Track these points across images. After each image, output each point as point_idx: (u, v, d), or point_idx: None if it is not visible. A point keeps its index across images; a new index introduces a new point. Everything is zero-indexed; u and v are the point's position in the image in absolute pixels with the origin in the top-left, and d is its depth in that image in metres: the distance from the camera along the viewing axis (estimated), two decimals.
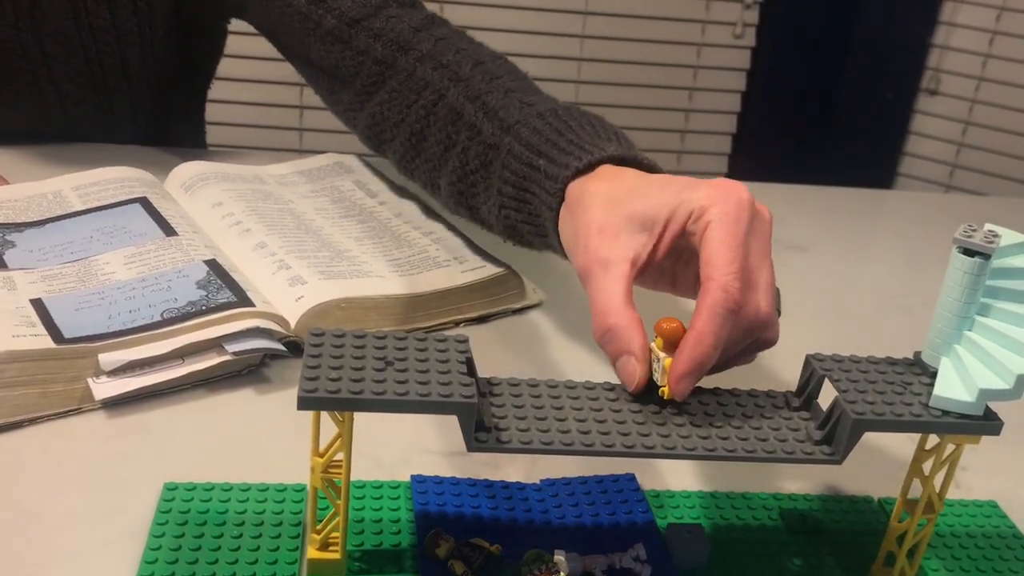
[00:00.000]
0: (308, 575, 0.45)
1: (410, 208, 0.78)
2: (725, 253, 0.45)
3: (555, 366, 0.65)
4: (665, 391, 0.43)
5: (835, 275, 0.83)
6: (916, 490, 0.46)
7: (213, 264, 0.64)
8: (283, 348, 0.59)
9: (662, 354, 0.44)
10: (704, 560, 0.48)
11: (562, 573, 0.43)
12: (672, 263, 0.51)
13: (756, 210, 0.48)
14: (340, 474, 0.43)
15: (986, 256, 0.43)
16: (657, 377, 0.44)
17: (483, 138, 0.64)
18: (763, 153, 2.06)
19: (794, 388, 0.46)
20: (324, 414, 0.41)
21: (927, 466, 0.45)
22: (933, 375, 0.44)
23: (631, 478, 0.53)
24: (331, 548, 0.45)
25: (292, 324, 0.60)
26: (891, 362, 0.46)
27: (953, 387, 0.43)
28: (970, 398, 0.42)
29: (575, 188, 0.54)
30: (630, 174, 0.54)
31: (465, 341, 0.44)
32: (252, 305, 0.60)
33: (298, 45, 0.78)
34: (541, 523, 0.49)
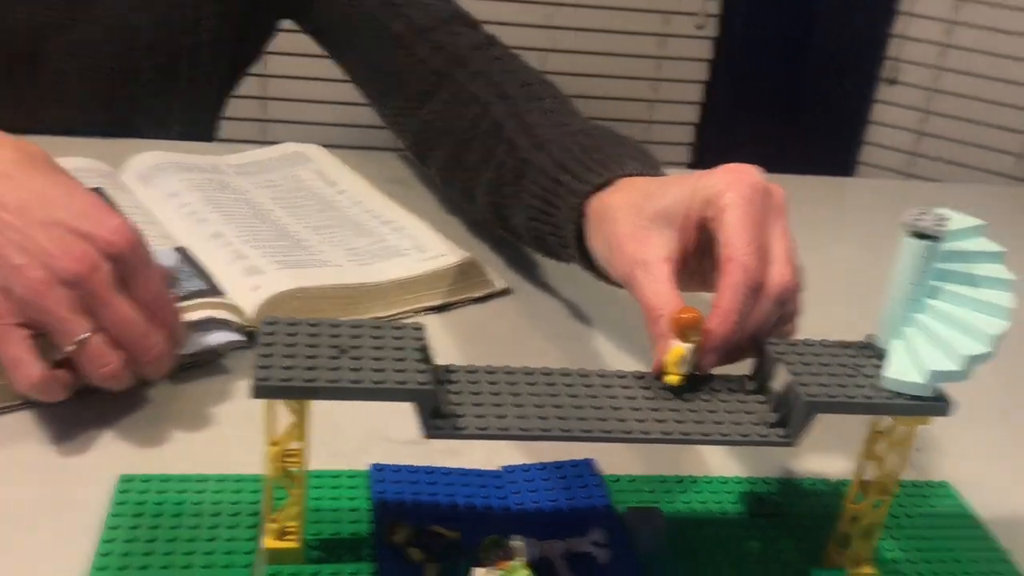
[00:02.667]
0: (265, 564, 0.44)
1: (370, 197, 0.78)
2: (742, 233, 0.47)
3: (517, 354, 0.65)
4: (671, 378, 0.44)
5: (817, 264, 0.83)
6: (872, 472, 0.47)
7: (182, 253, 0.63)
8: (242, 339, 0.59)
9: (675, 342, 0.44)
10: (662, 543, 0.48)
11: (519, 558, 0.43)
12: (699, 261, 0.52)
13: (769, 190, 0.50)
14: (297, 463, 0.43)
15: (936, 240, 0.43)
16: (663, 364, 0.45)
17: (518, 153, 0.67)
18: (727, 143, 2.07)
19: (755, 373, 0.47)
20: (279, 403, 0.41)
21: (880, 448, 0.46)
22: (885, 357, 0.44)
23: (590, 463, 0.53)
24: (288, 537, 0.45)
25: (249, 314, 0.60)
26: (844, 345, 0.46)
27: (904, 369, 0.43)
28: (920, 380, 0.43)
29: (597, 203, 0.57)
30: (645, 181, 0.56)
31: (422, 329, 0.43)
32: (221, 293, 0.59)
33: (360, 47, 0.81)
34: (500, 509, 0.50)
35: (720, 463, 0.56)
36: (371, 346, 0.41)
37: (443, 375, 0.43)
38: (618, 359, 0.66)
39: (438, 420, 0.40)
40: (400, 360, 0.41)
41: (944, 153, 1.99)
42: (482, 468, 0.52)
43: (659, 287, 0.49)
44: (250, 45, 0.96)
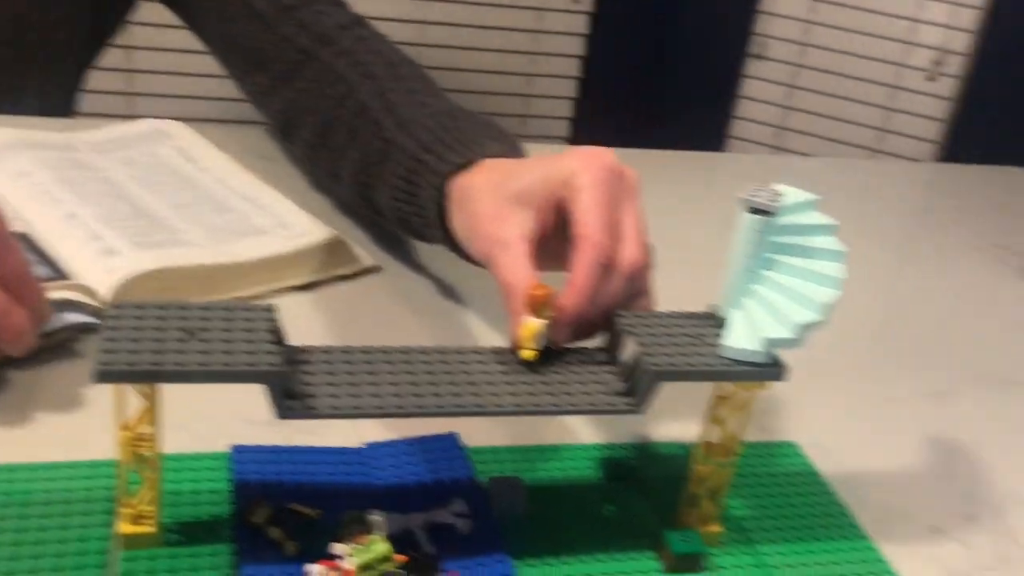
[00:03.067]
0: (121, 550, 0.44)
1: (233, 174, 0.76)
2: (594, 212, 0.49)
3: (386, 332, 0.66)
4: (525, 353, 0.45)
5: (664, 236, 0.85)
6: (716, 436, 0.49)
7: (24, 239, 0.61)
8: (97, 321, 0.57)
9: (529, 318, 0.45)
10: (522, 509, 0.50)
11: (379, 533, 0.44)
12: (560, 242, 0.53)
13: (622, 171, 0.52)
14: (149, 447, 0.42)
15: (771, 215, 0.45)
16: (518, 340, 0.46)
17: (382, 133, 0.67)
18: (603, 117, 2.10)
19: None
20: (129, 388, 0.40)
21: (723, 412, 0.48)
22: (726, 327, 0.46)
23: (453, 437, 0.54)
24: (144, 522, 0.44)
25: (105, 296, 0.58)
26: (688, 316, 0.48)
27: (741, 337, 0.45)
28: (756, 347, 0.45)
29: (458, 183, 0.57)
30: (505, 162, 0.57)
31: (273, 310, 0.43)
32: (67, 278, 0.57)
33: (221, 22, 0.79)
34: (363, 486, 0.50)
35: (580, 431, 0.58)
36: (221, 328, 0.41)
37: (297, 356, 0.43)
38: (486, 335, 0.66)
39: (290, 401, 0.40)
40: (251, 342, 0.40)
41: (810, 127, 2.07)
42: (345, 446, 0.52)
43: (516, 265, 0.50)
44: (110, 16, 0.92)
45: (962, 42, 1.91)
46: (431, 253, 0.75)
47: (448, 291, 0.72)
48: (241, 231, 0.68)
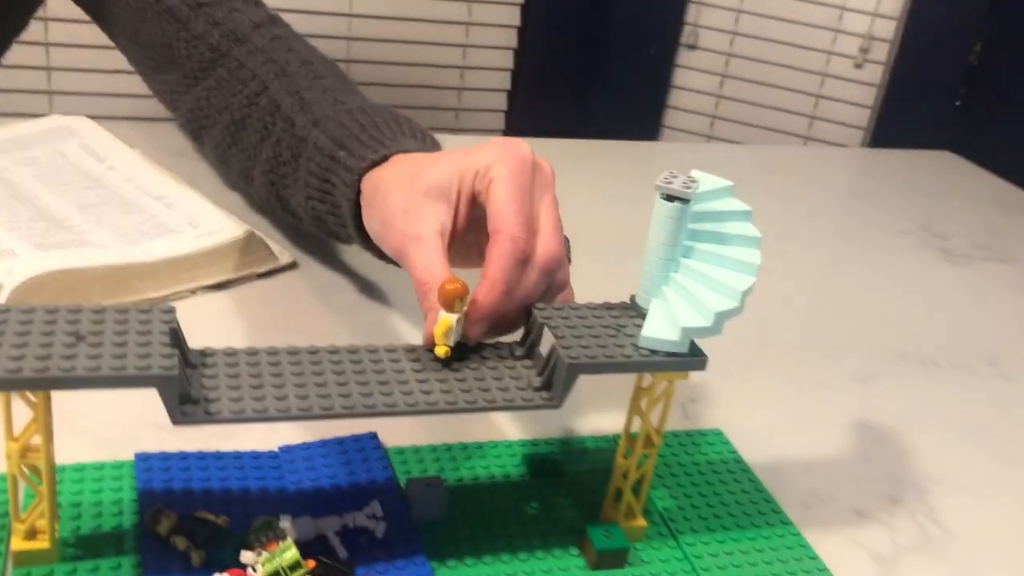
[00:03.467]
0: (14, 568, 0.42)
1: (143, 172, 0.74)
2: (510, 205, 0.48)
3: (303, 330, 0.64)
4: (439, 349, 0.44)
5: (595, 226, 0.85)
6: (638, 428, 0.48)
7: None
8: None
9: (443, 314, 0.44)
10: (443, 511, 0.49)
11: (289, 538, 0.42)
12: (476, 236, 0.52)
13: (537, 163, 0.51)
14: (40, 459, 0.40)
15: (685, 201, 0.44)
16: (432, 336, 0.45)
17: (295, 130, 0.65)
18: (537, 109, 2.09)
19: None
20: (16, 396, 0.38)
21: (644, 403, 0.47)
22: (645, 317, 0.46)
23: (372, 437, 0.53)
24: (39, 537, 0.42)
25: (2, 300, 0.55)
26: (608, 307, 0.48)
27: (659, 327, 0.45)
28: (675, 336, 0.44)
29: (372, 179, 0.56)
30: (419, 156, 0.56)
31: (171, 311, 0.42)
32: None
33: (130, 19, 0.77)
34: (276, 491, 0.48)
35: (505, 428, 0.57)
36: (113, 331, 0.39)
37: (197, 359, 0.42)
38: (407, 332, 0.65)
39: (187, 406, 0.39)
40: (144, 345, 0.39)
41: (742, 116, 2.08)
42: (259, 450, 0.51)
43: (429, 260, 0.48)
44: (13, 14, 0.88)
45: (888, 29, 1.94)
46: (349, 248, 0.74)
47: (367, 287, 0.70)
48: (150, 231, 0.66)
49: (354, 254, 0.73)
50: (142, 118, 0.86)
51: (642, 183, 0.98)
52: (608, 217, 0.90)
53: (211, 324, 0.62)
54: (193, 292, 0.65)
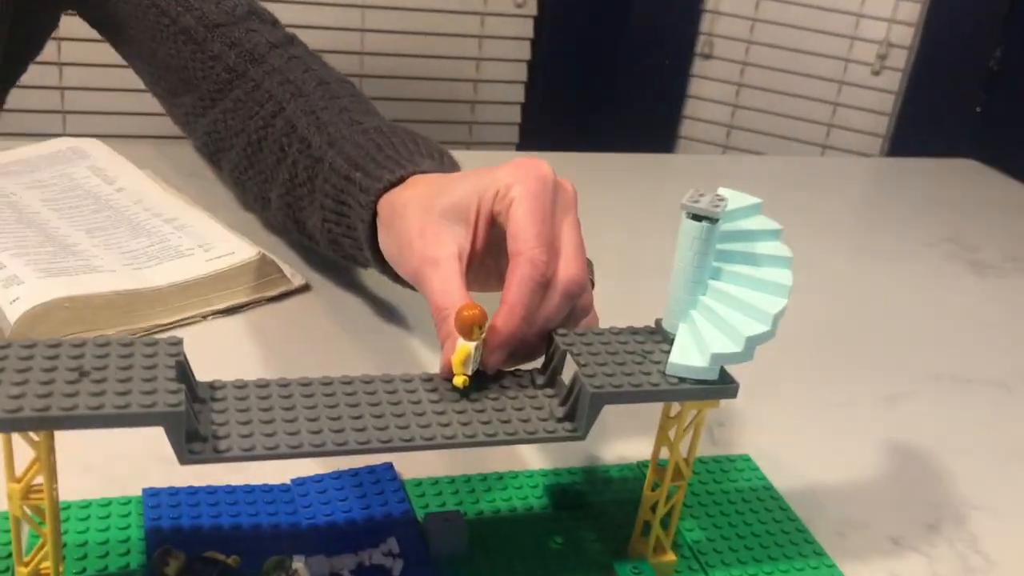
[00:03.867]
0: None
1: (153, 194, 0.73)
2: (530, 227, 0.47)
3: (317, 356, 0.62)
4: (457, 379, 0.43)
5: (613, 244, 0.85)
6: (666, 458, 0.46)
7: None
8: None
9: (461, 341, 0.43)
10: (463, 547, 0.47)
11: None
12: (496, 259, 0.51)
13: (559, 183, 0.50)
14: (42, 499, 0.38)
15: (713, 220, 0.43)
16: (449, 364, 0.43)
17: (311, 151, 0.65)
18: (551, 122, 2.08)
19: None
20: (17, 435, 0.37)
21: (673, 433, 0.45)
22: (672, 342, 0.44)
23: (388, 468, 0.52)
24: None
25: (7, 331, 0.54)
26: (633, 332, 0.46)
27: (688, 353, 0.43)
28: (704, 363, 0.42)
29: (388, 200, 0.55)
30: (437, 176, 0.55)
31: (178, 343, 0.40)
32: None
33: (146, 40, 0.76)
34: (289, 526, 0.47)
35: (527, 458, 0.56)
36: (118, 366, 0.38)
37: (206, 392, 0.40)
38: (424, 357, 0.64)
39: (195, 444, 0.37)
40: (150, 380, 0.37)
41: (759, 125, 2.06)
42: (270, 483, 0.49)
43: (447, 285, 0.47)
44: (27, 38, 0.88)
45: (906, 35, 1.91)
46: (365, 271, 0.72)
47: (383, 311, 0.69)
48: (160, 255, 0.65)
49: (370, 276, 0.72)
50: (156, 136, 0.85)
51: (662, 196, 0.99)
52: (628, 234, 0.89)
53: (222, 350, 0.61)
54: (204, 317, 0.64)
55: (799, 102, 2.01)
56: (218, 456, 0.37)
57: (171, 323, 0.61)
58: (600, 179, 1.01)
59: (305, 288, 0.70)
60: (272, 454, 0.38)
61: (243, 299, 0.66)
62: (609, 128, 2.05)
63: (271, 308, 0.67)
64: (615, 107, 2.09)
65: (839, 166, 1.33)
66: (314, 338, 0.65)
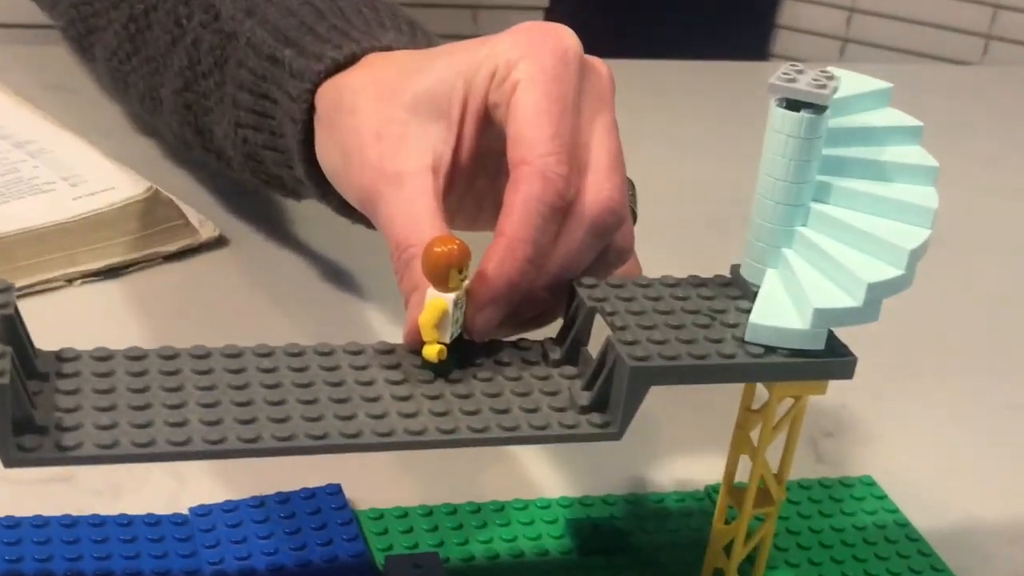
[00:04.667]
0: None
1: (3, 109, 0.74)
2: (542, 123, 0.46)
3: (226, 335, 0.61)
4: (428, 349, 0.42)
5: (663, 167, 0.86)
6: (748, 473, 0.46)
7: None
8: None
9: (432, 293, 0.43)
10: None
11: None
12: (490, 180, 0.52)
13: (587, 64, 0.49)
14: None
15: (819, 109, 0.42)
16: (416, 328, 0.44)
17: (220, 24, 0.64)
18: (595, 17, 2.07)
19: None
20: None
21: (756, 435, 0.45)
22: (755, 296, 0.44)
23: (334, 491, 0.52)
24: None
25: None
26: (696, 282, 0.46)
27: (779, 310, 0.42)
28: (803, 324, 0.42)
29: (330, 91, 0.55)
30: (404, 55, 0.55)
31: (7, 290, 0.40)
32: None
33: None
34: (183, 574, 0.47)
35: (537, 479, 0.56)
36: None
37: (49, 365, 0.40)
38: (386, 335, 0.63)
39: (27, 436, 0.36)
40: None
41: (885, 38, 2.05)
42: (157, 513, 0.49)
43: (413, 210, 0.47)
44: None
45: None
46: (303, 214, 0.73)
47: (330, 273, 0.70)
48: (7, 191, 0.65)
49: (311, 224, 0.73)
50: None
51: (742, 112, 0.99)
52: (688, 159, 0.90)
53: (94, 326, 0.61)
54: (70, 281, 0.64)
55: (945, 4, 2.00)
56: (62, 455, 0.36)
57: (20, 288, 0.60)
58: (651, 91, 1.03)
59: (218, 242, 0.70)
60: (144, 453, 0.37)
61: (126, 256, 0.66)
62: (676, 34, 2.04)
63: (168, 270, 0.68)
64: (685, 7, 2.09)
65: (1004, 75, 1.32)
66: (229, 310, 0.65)
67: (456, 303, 0.42)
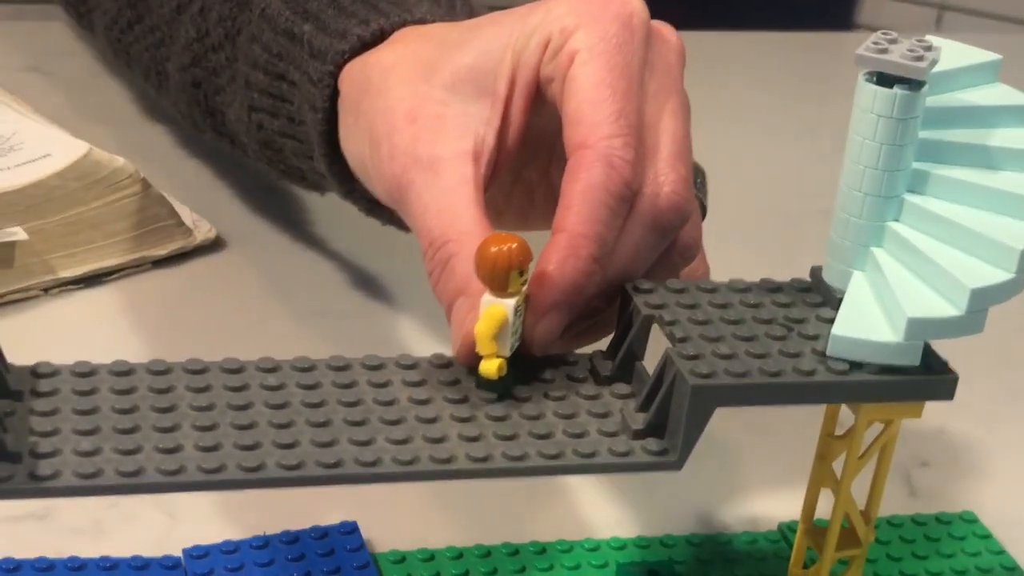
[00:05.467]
0: None
1: None
2: (604, 100, 0.47)
3: (221, 346, 0.62)
4: (486, 364, 0.43)
5: (737, 154, 0.87)
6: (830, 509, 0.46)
7: None
8: None
9: (490, 299, 0.43)
10: None
11: None
12: (541, 170, 0.53)
13: (656, 31, 0.50)
14: None
15: (915, 85, 0.42)
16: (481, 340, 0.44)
17: None
18: None
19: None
20: None
21: (841, 466, 0.45)
22: (839, 304, 0.44)
23: (350, 530, 0.52)
24: None
25: None
26: (771, 287, 0.46)
27: (867, 320, 0.42)
28: (894, 336, 0.42)
29: (357, 71, 0.56)
30: (441, 27, 0.56)
31: None
32: None
33: None
34: None
35: (585, 515, 0.57)
36: None
37: (23, 382, 0.40)
38: (409, 344, 0.65)
39: None
40: None
41: (993, 4, 2.04)
42: (145, 556, 0.50)
43: (451, 202, 0.47)
44: None
45: None
46: (318, 208, 0.73)
47: (340, 277, 0.70)
48: None
49: (319, 222, 0.73)
50: None
51: (828, 93, 0.99)
52: (768, 145, 0.91)
53: (75, 339, 0.62)
54: (46, 291, 0.65)
55: None
56: (37, 486, 0.37)
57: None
58: (722, 65, 1.04)
59: (216, 244, 0.71)
60: (131, 483, 0.37)
61: (112, 260, 0.67)
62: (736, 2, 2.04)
63: (159, 276, 0.69)
64: None
65: None
66: (228, 321, 0.66)
67: (516, 310, 0.42)
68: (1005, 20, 2.03)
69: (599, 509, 0.56)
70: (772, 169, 0.88)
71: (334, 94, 0.57)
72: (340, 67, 0.56)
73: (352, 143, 0.55)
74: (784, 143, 0.92)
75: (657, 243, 0.47)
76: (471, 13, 0.60)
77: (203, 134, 0.72)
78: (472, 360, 0.43)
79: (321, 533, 0.51)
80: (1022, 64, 1.11)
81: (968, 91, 0.46)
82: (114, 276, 0.67)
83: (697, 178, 0.50)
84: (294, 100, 0.59)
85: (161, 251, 0.68)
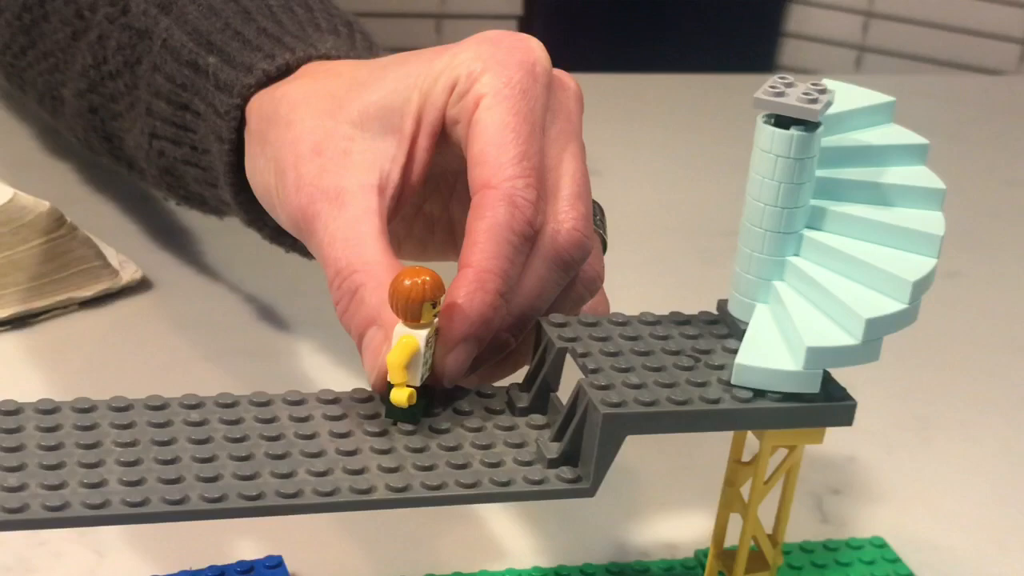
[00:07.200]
0: None
1: None
2: (508, 143, 0.47)
3: (146, 386, 0.62)
4: (397, 393, 0.43)
5: (636, 192, 0.87)
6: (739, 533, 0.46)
7: None
8: None
9: (403, 330, 0.43)
10: None
11: None
12: (442, 205, 0.54)
13: (557, 79, 0.51)
14: None
15: (811, 126, 0.43)
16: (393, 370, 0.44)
17: (130, 19, 0.65)
18: (575, 25, 2.09)
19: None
20: None
21: (748, 492, 0.46)
22: (743, 334, 0.45)
23: (276, 564, 0.52)
24: None
25: None
26: (678, 320, 0.47)
27: (769, 350, 0.43)
28: (795, 365, 0.42)
29: (264, 103, 0.56)
30: (348, 65, 0.56)
31: None
32: None
33: None
34: None
35: (505, 545, 0.57)
36: None
37: None
38: (327, 379, 0.64)
39: None
40: None
41: (906, 45, 2.06)
42: None
43: (356, 231, 0.47)
44: None
45: None
46: (234, 253, 0.73)
47: (263, 316, 0.70)
48: None
49: (243, 263, 0.73)
50: None
51: (729, 127, 1.00)
52: (682, 190, 0.91)
53: None
54: None
55: (980, 8, 2.02)
56: None
57: None
58: (640, 107, 1.04)
59: (142, 285, 0.71)
60: (56, 517, 0.38)
61: (36, 303, 0.67)
62: (666, 47, 2.06)
63: (85, 317, 0.68)
64: (676, 16, 2.10)
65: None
66: (153, 361, 0.66)
67: (427, 341, 0.43)
68: (923, 60, 2.06)
69: (521, 539, 0.56)
70: (686, 207, 0.88)
71: (240, 125, 0.57)
72: (247, 100, 0.56)
73: (258, 173, 0.55)
74: (698, 182, 0.92)
75: (560, 277, 0.48)
76: (371, 45, 0.61)
77: (100, 157, 0.72)
78: (385, 388, 0.43)
79: (247, 567, 0.51)
80: (940, 101, 1.14)
81: (863, 131, 0.47)
82: (40, 318, 0.66)
83: (596, 215, 0.51)
84: (198, 130, 0.59)
85: (87, 292, 0.68)
